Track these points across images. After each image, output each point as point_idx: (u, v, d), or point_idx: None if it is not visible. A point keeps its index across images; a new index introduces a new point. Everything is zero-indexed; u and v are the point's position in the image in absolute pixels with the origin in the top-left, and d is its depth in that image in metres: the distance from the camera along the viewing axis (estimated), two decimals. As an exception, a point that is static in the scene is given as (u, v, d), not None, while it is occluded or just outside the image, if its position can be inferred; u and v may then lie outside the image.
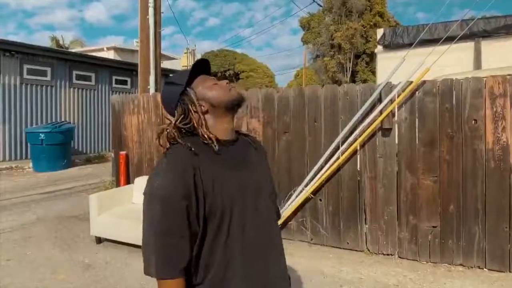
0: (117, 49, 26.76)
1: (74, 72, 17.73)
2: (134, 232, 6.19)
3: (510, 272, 5.31)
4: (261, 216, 1.91)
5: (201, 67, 2.01)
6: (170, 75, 20.74)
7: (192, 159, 1.74)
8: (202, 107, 1.88)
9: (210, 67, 2.08)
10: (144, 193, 1.78)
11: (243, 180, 1.87)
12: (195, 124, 1.86)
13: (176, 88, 1.91)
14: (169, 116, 1.97)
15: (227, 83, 1.98)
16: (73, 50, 26.20)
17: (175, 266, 1.69)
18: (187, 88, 1.91)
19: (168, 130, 1.86)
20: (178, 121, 1.87)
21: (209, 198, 1.72)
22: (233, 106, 1.94)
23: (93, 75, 18.62)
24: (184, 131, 1.88)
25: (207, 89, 1.91)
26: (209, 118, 1.90)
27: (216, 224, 1.74)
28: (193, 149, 1.76)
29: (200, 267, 1.77)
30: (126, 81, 20.34)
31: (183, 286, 1.73)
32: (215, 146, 1.81)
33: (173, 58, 27.83)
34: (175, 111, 1.90)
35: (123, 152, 8.83)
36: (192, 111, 1.87)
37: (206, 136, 1.83)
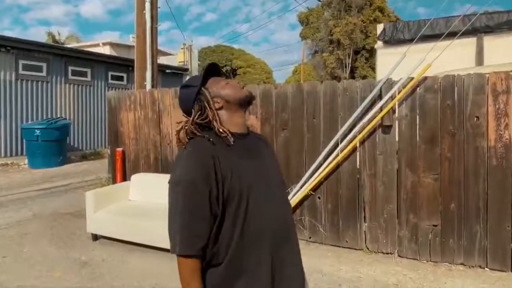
0: (113, 45, 26.64)
1: (70, 68, 17.63)
2: (131, 229, 6.18)
3: (511, 271, 5.28)
4: (277, 204, 2.08)
5: (212, 70, 2.21)
6: (167, 70, 20.72)
7: (211, 149, 1.92)
8: (216, 103, 2.08)
9: (220, 70, 2.28)
10: (168, 182, 1.94)
11: (258, 168, 2.06)
12: (211, 119, 2.04)
13: (192, 89, 2.11)
14: (185, 115, 2.17)
15: (238, 82, 2.23)
16: (69, 46, 26.11)
17: (194, 245, 1.85)
18: (202, 88, 2.11)
19: (187, 127, 2.04)
20: (196, 117, 2.05)
21: (227, 183, 1.88)
22: (245, 102, 2.15)
23: (89, 71, 18.53)
24: (200, 127, 2.04)
25: (221, 88, 2.11)
26: (223, 114, 2.09)
27: (234, 208, 1.89)
28: (211, 139, 1.95)
29: (220, 248, 1.90)
30: (122, 77, 20.27)
31: (199, 265, 1.91)
32: (230, 138, 1.99)
33: (170, 54, 27.71)
34: (192, 110, 2.09)
35: (119, 149, 8.81)
36: (208, 108, 2.06)
37: (221, 130, 2.01)
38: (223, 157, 1.90)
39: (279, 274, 2.00)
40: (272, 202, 2.03)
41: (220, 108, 2.08)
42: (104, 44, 26.47)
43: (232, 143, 1.99)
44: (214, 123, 2.03)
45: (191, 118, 2.06)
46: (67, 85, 17.47)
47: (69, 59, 17.64)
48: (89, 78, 18.54)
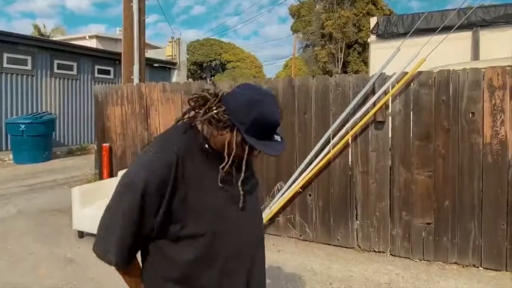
0: (99, 38, 26.58)
1: (56, 61, 17.45)
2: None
3: (506, 271, 5.26)
4: (247, 226, 2.02)
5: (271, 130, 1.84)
6: (155, 64, 20.54)
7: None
8: (220, 135, 1.80)
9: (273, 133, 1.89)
10: None
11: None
12: (203, 126, 1.84)
13: (247, 117, 1.73)
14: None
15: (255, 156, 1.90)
16: (55, 39, 25.96)
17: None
18: (242, 132, 1.75)
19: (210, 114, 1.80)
20: (211, 119, 1.79)
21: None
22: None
23: (75, 65, 18.36)
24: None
25: (239, 152, 1.80)
26: (211, 138, 1.86)
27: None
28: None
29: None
30: (109, 70, 20.11)
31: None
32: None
33: (158, 47, 27.65)
34: (223, 108, 1.79)
35: (106, 144, 8.77)
36: (217, 129, 1.79)
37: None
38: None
39: None
40: (241, 226, 1.94)
41: (220, 146, 1.81)
42: (90, 37, 26.42)
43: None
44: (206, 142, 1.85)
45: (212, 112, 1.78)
46: (52, 79, 17.29)
47: (55, 53, 17.45)
48: (75, 72, 18.37)
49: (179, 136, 1.87)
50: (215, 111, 1.78)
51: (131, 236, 1.79)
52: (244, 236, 1.95)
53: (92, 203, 6.61)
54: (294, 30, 44.72)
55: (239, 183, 1.85)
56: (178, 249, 1.80)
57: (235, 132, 1.77)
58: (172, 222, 1.77)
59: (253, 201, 2.05)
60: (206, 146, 1.86)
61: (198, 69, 51.03)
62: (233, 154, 1.78)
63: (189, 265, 1.81)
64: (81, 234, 6.66)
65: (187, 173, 1.79)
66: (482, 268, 5.38)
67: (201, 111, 1.83)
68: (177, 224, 1.77)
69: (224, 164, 1.78)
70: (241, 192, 1.87)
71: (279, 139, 1.87)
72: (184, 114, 1.94)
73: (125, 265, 1.91)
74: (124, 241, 1.81)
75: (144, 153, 1.87)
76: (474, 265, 5.44)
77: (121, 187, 1.81)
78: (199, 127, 1.86)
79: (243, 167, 1.81)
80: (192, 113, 1.89)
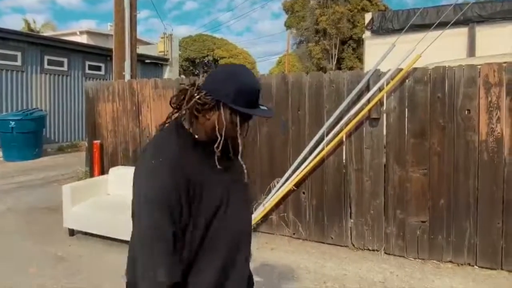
0: (90, 33, 26.52)
1: (46, 57, 17.35)
2: (109, 224, 6.13)
3: (502, 269, 5.27)
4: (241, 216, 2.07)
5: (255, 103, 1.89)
6: (147, 60, 20.52)
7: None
8: (207, 120, 1.86)
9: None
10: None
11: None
12: (190, 122, 1.90)
13: (229, 88, 1.81)
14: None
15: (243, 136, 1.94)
16: (45, 34, 25.86)
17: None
18: (228, 104, 1.81)
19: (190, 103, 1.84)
20: (199, 101, 1.83)
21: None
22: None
23: (65, 60, 18.27)
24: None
25: (230, 127, 1.84)
26: (200, 129, 1.91)
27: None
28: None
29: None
30: (100, 67, 20.02)
31: None
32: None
33: (149, 43, 27.62)
34: (203, 92, 1.84)
35: (97, 141, 8.75)
36: (204, 115, 1.85)
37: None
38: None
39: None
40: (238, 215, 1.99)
41: (210, 130, 1.86)
42: (81, 32, 26.37)
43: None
44: (190, 127, 1.91)
45: (196, 97, 1.82)
46: (43, 75, 17.20)
47: (45, 48, 17.36)
48: (65, 68, 18.28)
49: (170, 139, 1.88)
50: (197, 97, 1.82)
51: (174, 249, 1.76)
52: (237, 225, 1.99)
53: (83, 201, 6.59)
54: (288, 26, 44.75)
55: (240, 159, 1.92)
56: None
57: (222, 109, 1.81)
58: (188, 223, 1.80)
59: (243, 190, 2.10)
60: (196, 136, 1.90)
61: (191, 65, 50.90)
62: (224, 131, 1.82)
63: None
64: (72, 232, 6.64)
65: (189, 172, 1.80)
66: (477, 267, 5.39)
67: (184, 103, 1.86)
68: (190, 224, 1.81)
69: (217, 143, 1.82)
70: (244, 169, 1.99)
71: (265, 108, 1.96)
72: (168, 118, 1.98)
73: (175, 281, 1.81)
74: (171, 257, 1.76)
75: (146, 163, 1.85)
76: (469, 264, 5.44)
77: (143, 205, 1.79)
78: (186, 123, 1.90)
79: (239, 140, 1.88)
80: (176, 114, 1.93)
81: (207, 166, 1.88)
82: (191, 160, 1.85)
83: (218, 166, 1.85)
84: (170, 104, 1.95)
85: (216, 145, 1.82)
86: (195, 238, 1.83)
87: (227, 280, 1.94)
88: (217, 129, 1.82)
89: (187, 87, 1.90)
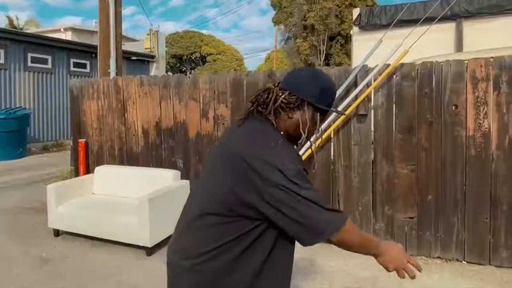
0: (75, 30, 26.37)
1: (29, 55, 17.24)
2: (94, 224, 6.11)
3: (490, 264, 5.32)
4: None
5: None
6: (133, 57, 20.43)
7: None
8: (290, 118, 2.01)
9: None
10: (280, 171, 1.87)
11: None
12: (271, 112, 2.00)
13: (314, 89, 2.00)
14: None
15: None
16: (28, 31, 25.69)
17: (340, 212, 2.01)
18: (314, 103, 2.01)
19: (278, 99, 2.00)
20: (286, 103, 1.99)
21: None
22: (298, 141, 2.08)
23: (49, 58, 18.17)
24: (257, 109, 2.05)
25: (312, 125, 2.03)
26: (277, 121, 2.02)
27: None
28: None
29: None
30: (85, 64, 19.92)
31: None
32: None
33: (135, 40, 27.52)
34: (287, 91, 2.00)
35: (82, 140, 8.70)
36: (287, 113, 2.01)
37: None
38: None
39: None
40: None
41: (293, 128, 2.02)
42: (65, 29, 26.19)
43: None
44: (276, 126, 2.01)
45: (281, 98, 1.99)
46: (26, 73, 17.09)
47: (29, 46, 17.23)
48: (49, 66, 18.18)
49: (270, 129, 2.00)
50: (282, 96, 1.98)
51: None
52: None
53: (67, 201, 6.55)
54: (276, 22, 44.60)
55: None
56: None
57: (305, 108, 1.99)
58: None
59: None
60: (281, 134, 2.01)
61: (178, 62, 50.81)
62: (307, 129, 2.00)
63: None
64: (57, 233, 6.59)
65: None
66: (465, 262, 5.44)
67: (269, 103, 2.00)
68: None
69: (301, 140, 2.04)
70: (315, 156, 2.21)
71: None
72: (247, 114, 2.10)
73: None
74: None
75: (270, 147, 1.90)
76: (457, 259, 5.49)
77: (294, 179, 1.82)
78: (271, 119, 2.00)
79: (319, 133, 2.11)
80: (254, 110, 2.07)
81: None
82: None
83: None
84: (251, 102, 2.09)
85: (300, 141, 2.04)
86: None
87: None
88: (301, 127, 1.98)
89: (272, 86, 2.05)
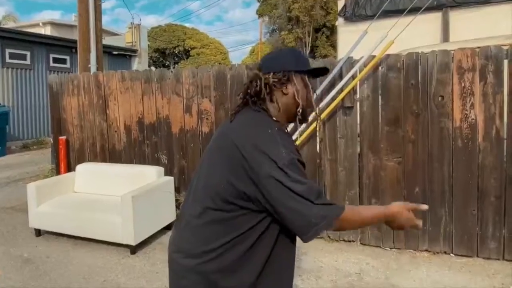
0: (54, 25, 26.14)
1: (7, 51, 17.11)
2: (77, 223, 6.09)
3: (477, 257, 5.37)
4: None
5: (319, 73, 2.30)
6: (114, 52, 20.33)
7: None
8: (285, 94, 2.12)
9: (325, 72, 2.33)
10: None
11: None
12: (266, 99, 2.11)
13: (292, 61, 2.15)
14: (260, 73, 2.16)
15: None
16: (6, 26, 25.46)
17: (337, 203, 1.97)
18: (295, 68, 2.14)
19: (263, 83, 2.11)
20: (272, 81, 2.10)
21: None
22: (302, 119, 2.21)
23: (28, 54, 18.03)
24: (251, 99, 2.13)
25: (306, 90, 2.18)
26: (280, 112, 2.14)
27: None
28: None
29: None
30: (65, 59, 19.82)
31: None
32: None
33: (117, 34, 27.35)
34: (272, 73, 2.11)
35: (62, 137, 8.63)
36: (278, 88, 2.12)
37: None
38: None
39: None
40: None
41: (274, 100, 2.12)
42: (44, 24, 25.96)
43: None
44: (266, 104, 2.11)
45: (267, 80, 2.10)
46: (4, 69, 16.96)
47: (6, 41, 17.09)
48: (28, 62, 18.05)
49: (266, 118, 2.09)
50: (270, 77, 2.09)
51: None
52: None
53: (48, 200, 6.54)
54: (260, 14, 44.62)
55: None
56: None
57: (293, 77, 2.12)
58: None
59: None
60: (274, 119, 2.11)
61: (161, 57, 50.61)
62: (305, 97, 2.15)
63: None
64: (38, 233, 6.58)
65: None
66: (453, 255, 5.48)
67: (261, 89, 2.10)
68: None
69: (299, 108, 2.15)
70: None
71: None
72: (242, 103, 2.19)
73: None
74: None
75: (264, 136, 1.96)
76: (445, 252, 5.54)
77: (286, 169, 1.86)
78: (267, 105, 2.12)
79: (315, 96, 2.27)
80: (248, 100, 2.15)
81: None
82: None
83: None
84: (244, 93, 2.18)
85: (299, 110, 2.15)
86: None
87: None
88: (299, 95, 2.12)
89: (256, 75, 2.14)
